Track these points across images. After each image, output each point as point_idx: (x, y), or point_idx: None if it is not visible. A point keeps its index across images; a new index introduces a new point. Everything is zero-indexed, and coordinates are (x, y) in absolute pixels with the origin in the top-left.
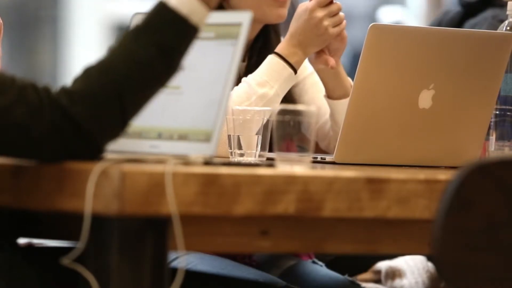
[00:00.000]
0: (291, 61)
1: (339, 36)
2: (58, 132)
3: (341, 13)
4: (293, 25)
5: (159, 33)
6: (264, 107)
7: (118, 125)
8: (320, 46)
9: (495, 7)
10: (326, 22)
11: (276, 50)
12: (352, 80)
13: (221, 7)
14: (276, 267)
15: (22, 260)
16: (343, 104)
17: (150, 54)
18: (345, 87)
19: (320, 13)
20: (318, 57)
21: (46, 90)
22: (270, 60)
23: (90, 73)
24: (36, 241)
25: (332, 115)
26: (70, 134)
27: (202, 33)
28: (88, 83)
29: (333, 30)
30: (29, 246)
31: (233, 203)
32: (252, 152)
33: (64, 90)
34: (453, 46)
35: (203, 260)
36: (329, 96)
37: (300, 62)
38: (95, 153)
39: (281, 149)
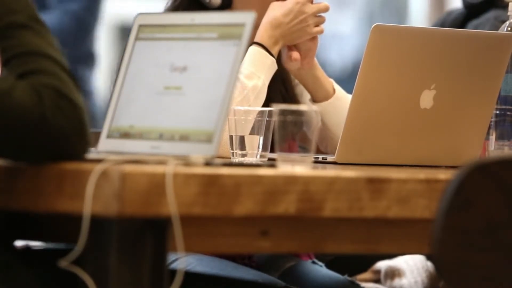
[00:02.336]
0: (273, 51)
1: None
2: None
3: (323, 15)
4: (278, 12)
5: None
6: (256, 99)
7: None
8: (295, 41)
9: (497, 8)
10: (311, 20)
11: (258, 39)
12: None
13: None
14: (275, 267)
15: (20, 263)
16: (326, 106)
17: None
18: (326, 89)
19: (310, 9)
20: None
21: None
22: (253, 51)
23: None
24: (33, 243)
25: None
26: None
27: (205, 34)
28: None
29: (313, 30)
30: (27, 248)
31: (233, 204)
32: (254, 153)
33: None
34: (454, 46)
35: (202, 261)
36: (313, 99)
37: (278, 51)
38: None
39: (282, 150)
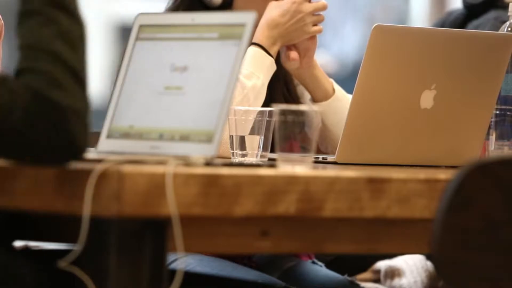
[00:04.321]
0: (271, 52)
1: (312, 36)
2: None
3: (322, 13)
4: (275, 12)
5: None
6: (256, 99)
7: (80, 93)
8: (294, 41)
9: (498, 9)
10: (308, 19)
11: (256, 40)
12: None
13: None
14: (275, 268)
15: (19, 263)
16: (325, 106)
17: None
18: (325, 89)
19: (307, 8)
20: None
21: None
22: (252, 51)
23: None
24: (32, 243)
25: None
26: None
27: (205, 34)
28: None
29: (311, 29)
30: (26, 249)
31: (233, 204)
32: (254, 153)
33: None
34: (455, 46)
35: (202, 262)
36: (313, 99)
37: (276, 52)
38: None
39: (283, 150)
